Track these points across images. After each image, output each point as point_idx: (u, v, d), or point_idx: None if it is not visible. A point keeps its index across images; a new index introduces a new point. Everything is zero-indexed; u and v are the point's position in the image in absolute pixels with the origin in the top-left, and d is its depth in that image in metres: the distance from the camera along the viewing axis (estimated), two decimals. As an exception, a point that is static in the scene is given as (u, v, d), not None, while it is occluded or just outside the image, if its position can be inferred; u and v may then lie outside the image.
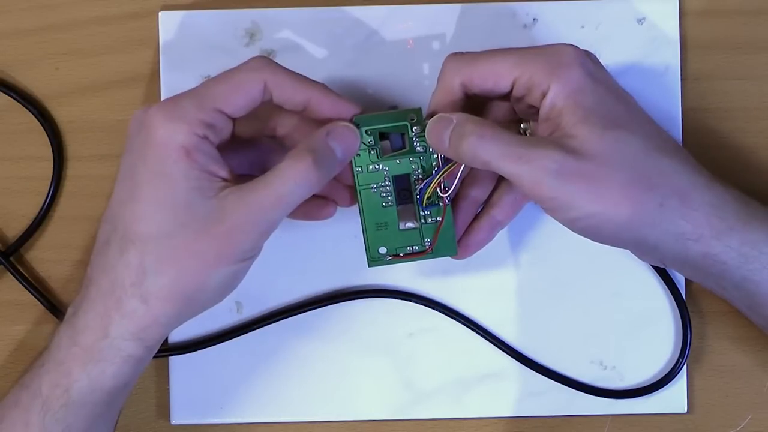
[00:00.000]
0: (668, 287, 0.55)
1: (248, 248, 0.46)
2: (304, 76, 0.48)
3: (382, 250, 0.51)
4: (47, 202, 0.56)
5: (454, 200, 0.52)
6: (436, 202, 0.51)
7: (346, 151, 0.48)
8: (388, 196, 0.51)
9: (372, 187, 0.51)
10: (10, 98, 0.56)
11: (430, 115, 0.49)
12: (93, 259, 0.47)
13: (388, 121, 0.50)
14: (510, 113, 0.52)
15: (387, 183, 0.51)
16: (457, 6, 0.56)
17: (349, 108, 0.49)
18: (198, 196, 0.44)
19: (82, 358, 0.46)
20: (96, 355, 0.46)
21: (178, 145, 0.44)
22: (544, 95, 0.47)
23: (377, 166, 0.51)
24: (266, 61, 0.47)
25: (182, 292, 0.45)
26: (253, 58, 0.48)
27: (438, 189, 0.50)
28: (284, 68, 0.48)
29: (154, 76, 0.56)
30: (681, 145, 0.55)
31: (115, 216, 0.46)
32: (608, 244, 0.48)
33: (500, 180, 0.53)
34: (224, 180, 0.46)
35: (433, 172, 0.50)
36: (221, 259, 0.45)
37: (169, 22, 0.56)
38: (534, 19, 0.56)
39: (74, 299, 0.48)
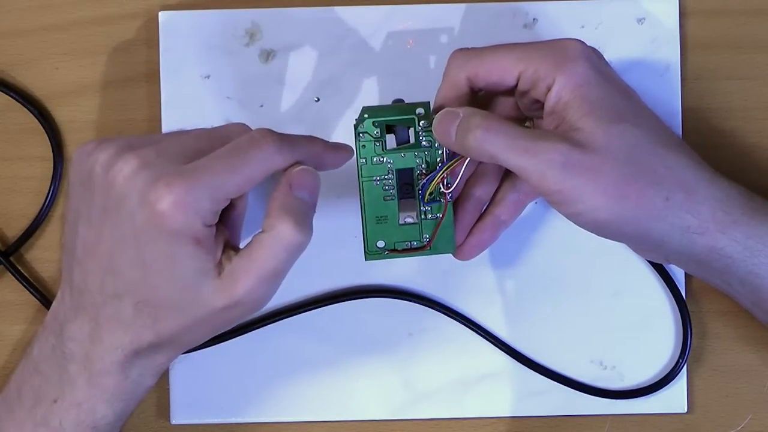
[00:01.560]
0: (668, 287, 0.55)
1: (249, 315, 0.47)
2: (299, 140, 0.47)
3: (380, 243, 0.51)
4: (47, 202, 0.56)
5: (458, 201, 0.52)
6: (438, 198, 0.51)
7: (313, 193, 0.47)
8: (390, 189, 0.51)
9: (375, 180, 0.51)
10: (10, 98, 0.56)
11: (437, 110, 0.50)
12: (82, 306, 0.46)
13: (396, 114, 0.50)
14: (515, 110, 0.52)
15: (390, 176, 0.51)
16: (458, 6, 0.56)
17: (345, 154, 0.49)
18: (203, 276, 0.44)
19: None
20: None
21: (191, 236, 0.43)
22: (549, 88, 0.47)
23: (381, 159, 0.51)
24: (273, 138, 0.45)
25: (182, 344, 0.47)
26: (259, 135, 0.45)
27: (441, 185, 0.50)
28: (289, 142, 0.46)
29: (154, 76, 0.56)
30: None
31: (116, 272, 0.45)
32: (612, 239, 0.48)
33: (503, 179, 0.53)
34: (223, 251, 0.45)
35: (437, 167, 0.50)
36: (223, 328, 0.47)
37: (169, 22, 0.56)
38: (534, 19, 0.56)
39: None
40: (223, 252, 0.45)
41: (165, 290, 0.44)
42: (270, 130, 0.46)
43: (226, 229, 0.47)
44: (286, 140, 0.46)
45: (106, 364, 0.46)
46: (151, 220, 0.43)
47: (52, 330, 0.47)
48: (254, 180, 0.45)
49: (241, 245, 0.46)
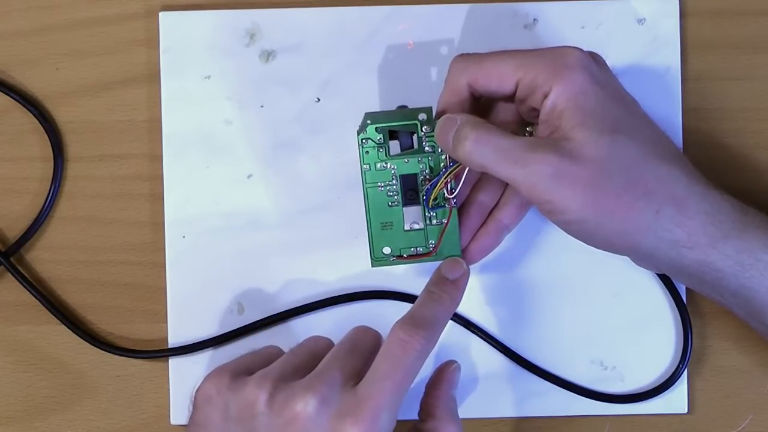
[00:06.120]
0: (668, 288, 0.55)
1: None
2: (433, 312, 0.48)
3: (386, 250, 0.51)
4: (47, 202, 0.56)
5: (463, 205, 0.52)
6: (443, 203, 0.51)
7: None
8: (395, 195, 0.51)
9: (379, 186, 0.51)
10: (10, 98, 0.56)
11: (439, 116, 0.50)
12: None
13: (398, 119, 0.50)
14: (516, 116, 0.51)
15: (394, 182, 0.51)
16: (458, 6, 0.56)
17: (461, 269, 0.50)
18: None
19: None
20: None
21: None
22: (545, 96, 0.47)
23: (385, 165, 0.51)
24: (418, 333, 0.46)
25: None
26: (406, 336, 0.46)
27: (444, 190, 0.50)
28: (430, 328, 0.47)
29: (154, 77, 0.56)
30: (681, 149, 0.55)
31: None
32: (602, 249, 0.48)
33: (507, 184, 0.53)
34: None
35: (440, 172, 0.50)
36: None
37: (169, 23, 0.56)
38: (534, 20, 0.56)
39: None
40: None
41: None
42: (408, 323, 0.46)
43: None
44: (427, 327, 0.46)
45: None
46: None
47: None
48: (415, 377, 0.46)
49: None
